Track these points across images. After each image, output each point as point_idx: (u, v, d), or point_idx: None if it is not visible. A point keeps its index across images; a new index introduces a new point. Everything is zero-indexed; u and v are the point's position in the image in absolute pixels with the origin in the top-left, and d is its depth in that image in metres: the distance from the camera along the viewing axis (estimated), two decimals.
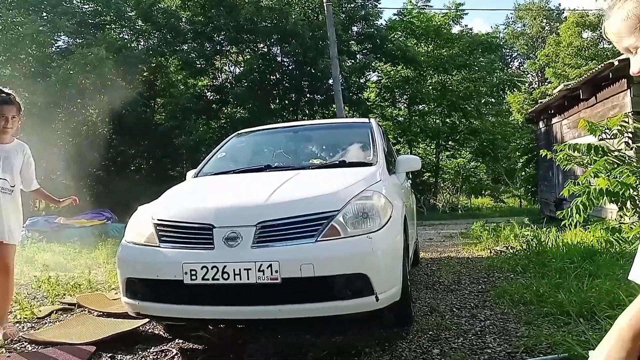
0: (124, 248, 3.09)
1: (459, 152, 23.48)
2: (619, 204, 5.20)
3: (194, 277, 2.72)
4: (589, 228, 5.95)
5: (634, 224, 5.13)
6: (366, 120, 4.61)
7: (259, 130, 4.74)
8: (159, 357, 3.04)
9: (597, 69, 8.00)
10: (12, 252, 3.46)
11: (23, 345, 3.30)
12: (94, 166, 18.44)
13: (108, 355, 3.04)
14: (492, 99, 23.11)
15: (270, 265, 2.68)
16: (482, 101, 22.38)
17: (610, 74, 7.21)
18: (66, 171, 18.96)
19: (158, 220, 3.02)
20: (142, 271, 2.92)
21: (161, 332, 3.52)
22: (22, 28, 15.97)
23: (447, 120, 21.76)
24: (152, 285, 2.88)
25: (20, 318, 4.01)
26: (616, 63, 6.79)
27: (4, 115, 3.30)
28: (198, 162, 4.94)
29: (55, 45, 18.88)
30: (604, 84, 7.74)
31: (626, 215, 5.53)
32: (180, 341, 3.32)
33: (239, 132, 4.81)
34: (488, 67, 21.22)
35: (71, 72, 15.87)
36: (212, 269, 2.71)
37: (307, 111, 19.90)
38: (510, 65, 35.81)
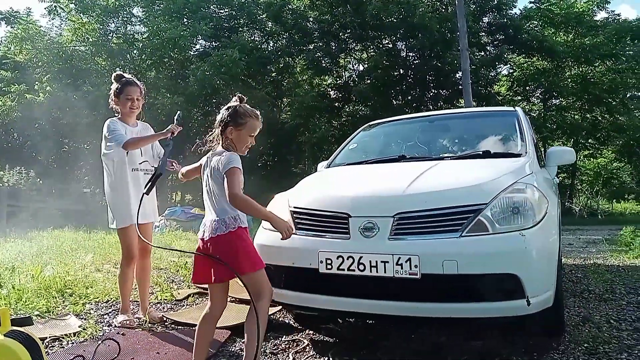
0: (261, 234, 3.10)
1: (600, 152, 21.33)
2: None
3: (329, 267, 2.64)
4: None
5: None
6: (511, 108, 4.22)
7: (390, 121, 4.56)
8: (290, 346, 3.01)
9: None
10: (151, 231, 3.65)
11: (164, 325, 3.48)
12: None
13: (242, 341, 3.07)
14: None
15: (409, 259, 2.50)
16: (629, 95, 20.10)
17: None
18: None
19: (295, 207, 2.99)
20: (279, 258, 2.89)
21: (291, 322, 3.51)
22: (165, 34, 17.39)
23: (588, 115, 19.92)
24: (287, 272, 2.85)
25: (160, 299, 4.26)
26: None
27: (129, 96, 3.41)
28: (319, 159, 4.99)
29: (194, 48, 20.34)
30: None
31: None
32: (311, 332, 3.27)
33: (370, 123, 4.67)
34: (638, 57, 18.96)
35: (207, 73, 16.95)
36: (347, 259, 2.61)
37: (430, 107, 19.37)
38: None
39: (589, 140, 20.51)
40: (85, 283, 4.50)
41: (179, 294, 4.35)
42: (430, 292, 2.52)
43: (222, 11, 20.82)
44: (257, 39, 21.45)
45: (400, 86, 19.61)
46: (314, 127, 18.09)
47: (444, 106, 19.05)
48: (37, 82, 17.10)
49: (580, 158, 21.57)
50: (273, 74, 20.89)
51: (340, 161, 4.03)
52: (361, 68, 21.01)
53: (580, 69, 19.74)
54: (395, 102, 19.49)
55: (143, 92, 3.54)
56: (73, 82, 17.27)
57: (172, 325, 3.44)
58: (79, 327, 3.32)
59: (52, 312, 3.70)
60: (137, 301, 3.79)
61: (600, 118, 19.87)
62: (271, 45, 21.38)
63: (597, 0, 19.83)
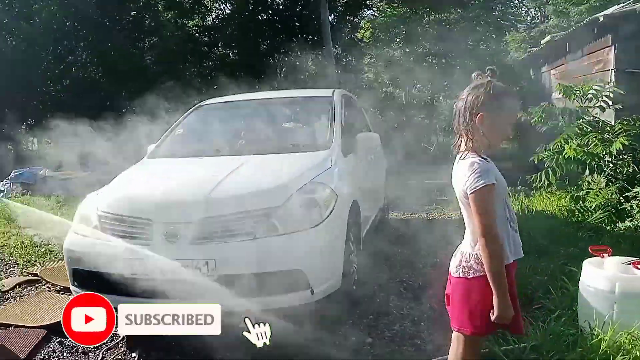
0: (70, 238, 3.13)
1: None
2: (587, 171, 5.14)
3: (133, 273, 2.78)
4: (557, 193, 5.95)
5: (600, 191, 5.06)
6: (329, 93, 4.43)
7: (218, 102, 4.67)
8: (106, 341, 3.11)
9: (582, 23, 7.73)
10: None
11: None
12: (83, 112, 18.22)
13: (57, 341, 3.13)
14: (494, 35, 22.37)
15: (207, 263, 2.73)
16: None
17: (595, 29, 6.96)
18: (57, 119, 18.74)
19: (102, 211, 3.05)
20: (86, 262, 2.97)
21: None
22: None
23: (443, 61, 21.22)
24: (95, 276, 2.94)
25: None
26: (601, 19, 6.56)
27: None
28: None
29: None
30: (589, 39, 7.49)
31: (593, 182, 5.51)
32: None
33: (200, 104, 4.67)
34: (485, 4, 20.38)
35: (56, 14, 15.34)
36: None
37: (298, 53, 19.40)
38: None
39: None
40: None
41: (3, 285, 4.11)
42: (228, 291, 2.77)
43: None
44: None
45: (267, 31, 19.31)
46: (179, 73, 17.35)
47: (310, 52, 19.16)
48: None
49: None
50: (132, 13, 19.38)
51: (163, 150, 4.05)
52: (227, 10, 20.28)
53: (436, 16, 20.77)
54: (263, 47, 19.22)
55: None
56: None
57: None
58: None
59: None
60: None
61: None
62: None
63: None
